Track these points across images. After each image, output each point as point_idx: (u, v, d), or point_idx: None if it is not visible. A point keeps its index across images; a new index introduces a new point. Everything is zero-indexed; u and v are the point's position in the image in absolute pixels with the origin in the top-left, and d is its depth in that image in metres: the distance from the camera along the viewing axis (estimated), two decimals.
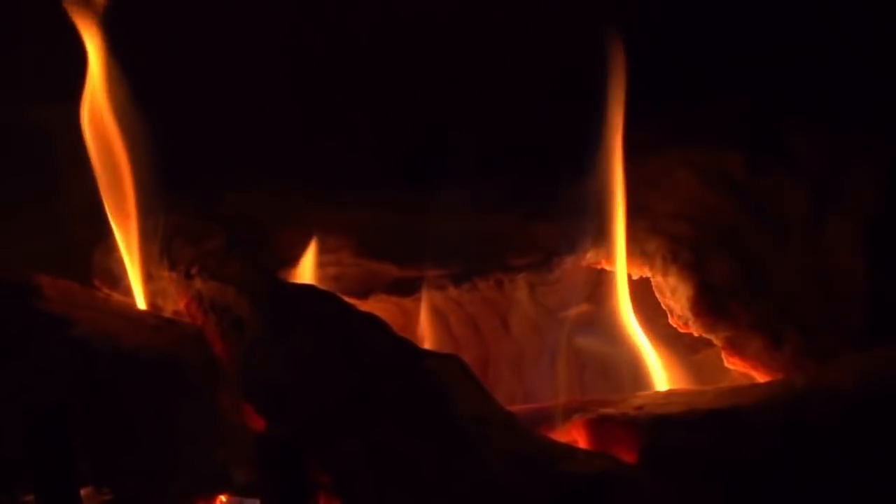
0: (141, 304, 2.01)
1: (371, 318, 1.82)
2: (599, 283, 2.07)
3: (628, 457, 1.69)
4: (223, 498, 1.82)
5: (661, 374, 1.96)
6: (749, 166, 2.00)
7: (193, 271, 1.97)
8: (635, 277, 2.00)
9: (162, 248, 1.98)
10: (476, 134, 2.09)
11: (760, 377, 1.91)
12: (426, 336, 2.07)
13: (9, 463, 1.69)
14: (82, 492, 1.69)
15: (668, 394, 1.87)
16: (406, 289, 2.06)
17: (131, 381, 1.79)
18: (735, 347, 1.92)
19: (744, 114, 2.06)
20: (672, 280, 1.96)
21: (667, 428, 1.71)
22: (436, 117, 2.17)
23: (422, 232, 2.04)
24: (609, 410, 1.78)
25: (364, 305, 1.95)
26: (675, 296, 1.96)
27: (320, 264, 2.03)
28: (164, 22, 2.15)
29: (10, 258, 2.02)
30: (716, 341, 1.94)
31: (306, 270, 2.01)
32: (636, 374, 1.97)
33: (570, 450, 1.71)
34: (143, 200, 1.98)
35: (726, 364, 1.94)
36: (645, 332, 1.98)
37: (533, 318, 2.10)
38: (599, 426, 1.76)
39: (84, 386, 1.77)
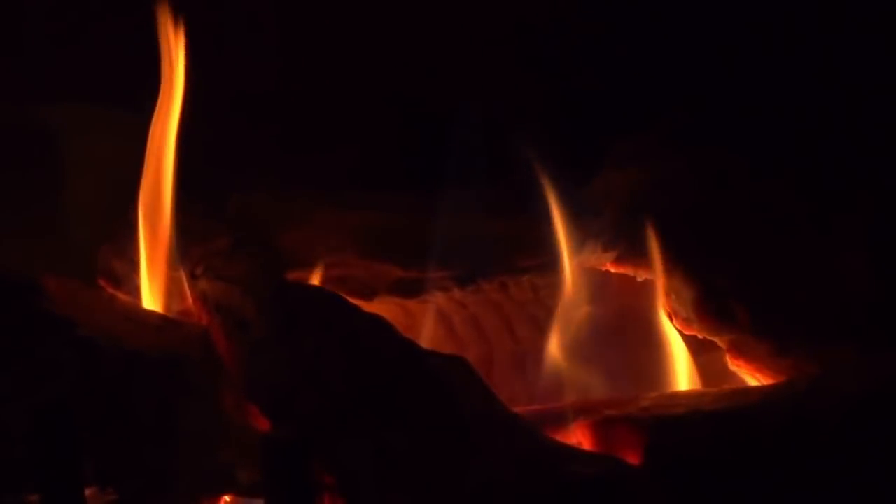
0: (155, 304, 2.01)
1: (376, 320, 1.82)
2: (603, 285, 2.07)
3: (632, 458, 1.69)
4: (227, 498, 1.82)
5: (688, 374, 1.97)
6: (753, 169, 2.01)
7: (199, 271, 1.97)
8: (640, 279, 2.01)
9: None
10: (482, 136, 2.09)
11: (765, 380, 1.91)
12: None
13: (13, 463, 1.69)
14: (86, 492, 1.69)
15: (673, 395, 1.87)
16: (410, 290, 2.06)
17: (136, 382, 1.78)
18: (739, 350, 1.92)
19: (751, 120, 2.07)
20: (676, 282, 1.96)
21: (671, 429, 1.71)
22: (442, 119, 2.18)
23: (426, 233, 2.04)
24: (613, 412, 1.78)
25: (368, 306, 1.95)
26: (679, 298, 1.96)
27: (325, 265, 2.03)
28: None
29: (15, 259, 2.02)
30: (720, 344, 1.94)
31: None
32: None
33: (574, 451, 1.71)
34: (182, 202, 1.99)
35: (730, 367, 1.95)
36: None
37: (537, 320, 2.10)
38: (603, 427, 1.75)
39: (88, 386, 1.76)
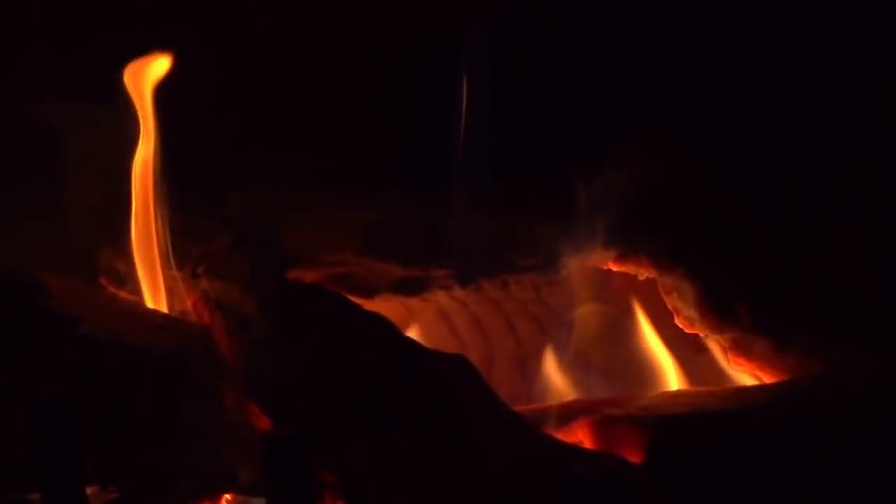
0: (151, 303, 2.00)
1: (377, 318, 1.82)
2: (605, 283, 2.07)
3: (634, 457, 1.69)
4: (228, 497, 1.82)
5: (674, 375, 1.97)
6: (754, 166, 2.01)
7: (200, 270, 1.97)
8: (641, 278, 2.01)
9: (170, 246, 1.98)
10: (482, 134, 2.09)
11: (766, 378, 1.91)
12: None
13: (15, 461, 1.69)
14: (88, 490, 1.68)
15: (675, 394, 1.87)
16: (411, 288, 2.06)
17: (137, 380, 1.78)
18: (741, 348, 1.92)
19: (753, 117, 2.07)
20: (678, 280, 1.96)
21: (673, 428, 1.71)
22: (442, 117, 2.17)
23: (427, 232, 2.04)
24: (615, 411, 1.78)
25: (370, 305, 1.95)
26: (681, 296, 1.96)
27: (326, 264, 2.03)
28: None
29: (16, 257, 2.02)
30: (722, 342, 1.94)
31: None
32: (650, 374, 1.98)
33: (576, 450, 1.71)
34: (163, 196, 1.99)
35: (732, 365, 1.95)
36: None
37: (538, 319, 2.10)
38: (605, 426, 1.75)
39: (90, 384, 1.76)
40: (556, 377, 2.01)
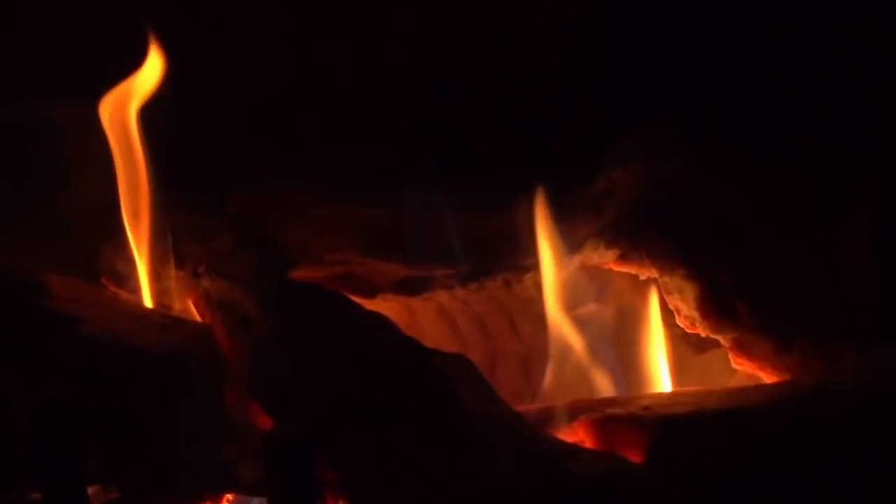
0: (149, 302, 2.00)
1: (378, 318, 1.82)
2: (607, 282, 2.07)
3: (635, 457, 1.69)
4: (230, 496, 1.83)
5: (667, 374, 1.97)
6: (758, 167, 2.01)
7: (201, 270, 1.97)
8: (643, 278, 2.00)
9: (170, 246, 1.98)
10: (484, 133, 2.09)
11: (768, 378, 1.91)
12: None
13: (17, 461, 1.69)
14: (89, 490, 1.69)
15: (675, 394, 1.88)
16: (413, 288, 2.06)
17: (139, 380, 1.79)
18: (742, 348, 1.92)
19: (754, 115, 2.06)
20: (679, 280, 1.96)
21: (674, 428, 1.71)
22: (444, 117, 2.18)
23: (429, 231, 2.04)
24: (616, 410, 1.78)
25: (371, 305, 1.95)
26: (682, 296, 1.96)
27: (328, 263, 2.03)
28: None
29: (18, 256, 2.02)
30: (723, 342, 1.94)
31: None
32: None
33: (577, 450, 1.71)
34: (158, 199, 1.98)
35: (734, 365, 1.94)
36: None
37: (541, 318, 2.10)
38: (606, 426, 1.76)
39: (91, 384, 1.76)
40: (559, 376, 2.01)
